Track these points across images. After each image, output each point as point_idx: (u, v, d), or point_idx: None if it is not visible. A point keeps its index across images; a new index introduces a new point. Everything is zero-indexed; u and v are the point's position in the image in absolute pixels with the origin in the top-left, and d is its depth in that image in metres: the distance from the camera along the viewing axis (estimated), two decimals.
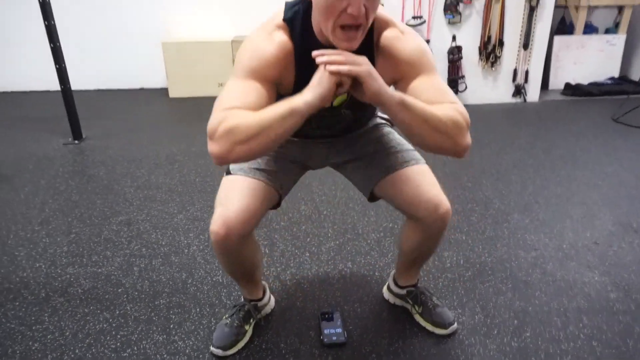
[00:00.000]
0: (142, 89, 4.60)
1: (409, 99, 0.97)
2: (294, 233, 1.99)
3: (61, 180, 2.54)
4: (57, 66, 2.88)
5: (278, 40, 1.04)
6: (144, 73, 4.55)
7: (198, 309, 1.53)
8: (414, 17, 3.57)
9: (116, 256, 1.83)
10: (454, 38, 3.69)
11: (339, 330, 1.40)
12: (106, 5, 4.32)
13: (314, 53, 0.96)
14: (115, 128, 3.43)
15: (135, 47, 4.45)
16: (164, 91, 4.37)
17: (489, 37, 3.71)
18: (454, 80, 3.77)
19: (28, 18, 3.94)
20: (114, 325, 1.46)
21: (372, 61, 1.03)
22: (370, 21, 0.98)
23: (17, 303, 1.56)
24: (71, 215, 2.16)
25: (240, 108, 0.96)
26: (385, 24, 1.07)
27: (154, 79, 4.56)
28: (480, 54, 3.78)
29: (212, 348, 1.32)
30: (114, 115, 3.79)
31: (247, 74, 1.02)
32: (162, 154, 2.88)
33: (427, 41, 3.65)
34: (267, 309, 1.50)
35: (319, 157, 1.36)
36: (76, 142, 3.08)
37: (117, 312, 1.51)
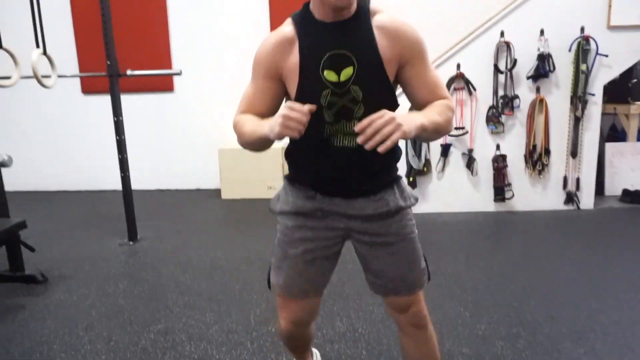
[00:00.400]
0: (197, 190, 4.92)
1: (426, 122, 1.11)
2: (326, 353, 1.93)
3: (111, 282, 2.68)
4: (122, 174, 3.19)
5: (281, 29, 1.19)
6: (201, 175, 4.91)
7: None
8: (456, 128, 3.68)
9: None
10: (497, 147, 3.72)
11: None
12: (171, 117, 4.84)
13: (360, 126, 1.03)
14: (168, 229, 3.64)
15: (194, 153, 4.86)
16: (217, 192, 4.64)
17: (534, 146, 3.71)
18: (500, 187, 3.73)
19: (103, 128, 4.46)
20: None
21: (373, 39, 1.14)
22: None
23: None
24: (114, 320, 2.25)
25: (248, 112, 1.23)
26: (376, 10, 1.18)
27: (209, 181, 4.89)
28: (526, 162, 3.76)
29: None
30: (170, 215, 4.04)
31: (255, 75, 1.23)
32: (208, 259, 2.99)
33: (471, 150, 3.71)
34: None
35: (339, 226, 1.28)
36: (131, 243, 3.29)
37: None
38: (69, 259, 3.05)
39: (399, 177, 1.31)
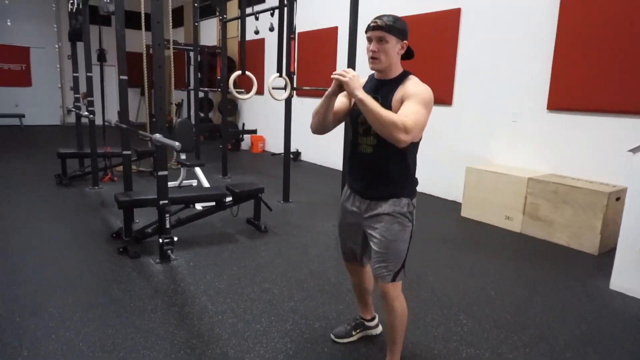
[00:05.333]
0: (438, 197, 5.18)
1: (367, 100, 1.67)
2: None
3: (306, 252, 3.47)
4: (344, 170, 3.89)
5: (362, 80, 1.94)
6: (445, 186, 5.16)
7: None
8: None
9: None
10: None
11: None
12: (434, 136, 5.13)
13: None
14: None
15: (444, 163, 5.14)
16: (457, 205, 4.71)
17: None
18: None
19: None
20: None
21: (393, 92, 1.80)
22: (383, 55, 1.78)
23: None
24: (295, 267, 3.04)
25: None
26: (408, 76, 1.84)
27: (451, 192, 5.09)
28: None
29: (331, 334, 2.24)
30: None
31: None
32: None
33: None
34: (373, 332, 2.30)
35: (356, 215, 1.96)
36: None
37: None
38: (290, 224, 4.04)
39: (399, 194, 1.85)
